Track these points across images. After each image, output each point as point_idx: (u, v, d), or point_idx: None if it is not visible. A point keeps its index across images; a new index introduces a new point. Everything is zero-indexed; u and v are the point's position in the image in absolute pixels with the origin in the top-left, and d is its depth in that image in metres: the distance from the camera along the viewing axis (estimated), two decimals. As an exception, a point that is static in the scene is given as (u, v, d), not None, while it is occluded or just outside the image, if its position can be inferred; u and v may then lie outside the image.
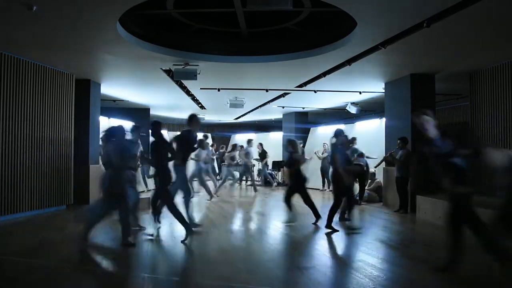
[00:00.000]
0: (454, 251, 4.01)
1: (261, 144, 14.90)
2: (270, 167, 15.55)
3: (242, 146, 13.09)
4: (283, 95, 11.26)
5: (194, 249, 5.25)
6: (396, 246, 5.46)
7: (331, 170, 7.35)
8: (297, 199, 7.01)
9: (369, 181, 10.08)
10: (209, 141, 14.04)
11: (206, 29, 6.86)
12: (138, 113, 14.08)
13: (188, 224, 5.56)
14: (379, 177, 9.85)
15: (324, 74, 8.33)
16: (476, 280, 4.04)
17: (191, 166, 9.51)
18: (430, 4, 4.89)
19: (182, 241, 5.32)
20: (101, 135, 5.72)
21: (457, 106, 11.65)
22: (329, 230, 6.18)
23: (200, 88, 10.17)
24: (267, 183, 14.54)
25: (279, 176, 15.45)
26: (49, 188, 7.88)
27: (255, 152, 14.17)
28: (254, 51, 7.48)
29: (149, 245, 5.53)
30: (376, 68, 8.13)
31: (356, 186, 9.26)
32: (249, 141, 12.77)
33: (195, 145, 6.64)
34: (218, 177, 14.48)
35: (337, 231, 6.19)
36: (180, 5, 5.81)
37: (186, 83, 9.58)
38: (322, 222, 6.52)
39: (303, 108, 14.35)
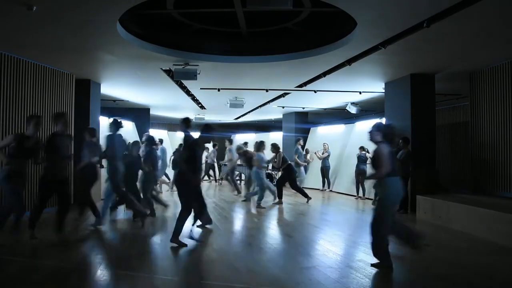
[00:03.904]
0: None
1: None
2: (270, 167, 15.52)
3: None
4: (283, 95, 11.26)
5: (193, 249, 5.25)
6: (397, 246, 5.45)
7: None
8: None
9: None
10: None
11: (206, 29, 6.86)
12: (138, 113, 14.08)
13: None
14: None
15: (324, 74, 8.33)
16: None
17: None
18: (430, 4, 4.89)
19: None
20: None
21: (457, 106, 11.64)
22: None
23: (200, 88, 10.17)
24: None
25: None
26: (49, 188, 7.86)
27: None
28: (254, 51, 7.48)
29: (148, 245, 5.54)
30: (376, 68, 8.13)
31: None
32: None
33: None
34: None
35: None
36: (180, 5, 5.80)
37: (186, 83, 9.58)
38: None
39: (303, 108, 14.34)
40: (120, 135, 6.62)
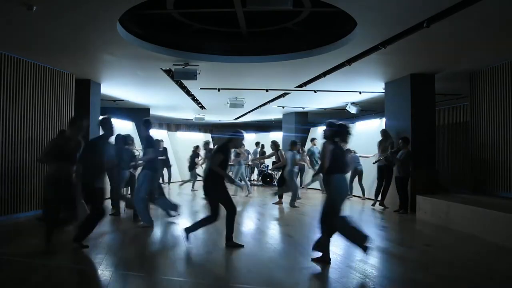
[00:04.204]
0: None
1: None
2: (270, 167, 15.52)
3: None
4: (283, 95, 11.26)
5: (193, 249, 5.25)
6: (397, 246, 5.46)
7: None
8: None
9: None
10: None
11: (206, 29, 6.86)
12: (138, 113, 14.06)
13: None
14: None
15: (324, 74, 8.33)
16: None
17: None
18: (430, 4, 4.89)
19: None
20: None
21: (457, 106, 11.64)
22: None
23: (200, 88, 10.17)
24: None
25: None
26: (49, 188, 7.87)
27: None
28: (254, 51, 7.48)
29: (148, 245, 5.54)
30: (376, 68, 8.13)
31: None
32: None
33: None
34: None
35: None
36: (180, 5, 5.81)
37: (186, 83, 9.58)
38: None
39: (303, 108, 14.35)
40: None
